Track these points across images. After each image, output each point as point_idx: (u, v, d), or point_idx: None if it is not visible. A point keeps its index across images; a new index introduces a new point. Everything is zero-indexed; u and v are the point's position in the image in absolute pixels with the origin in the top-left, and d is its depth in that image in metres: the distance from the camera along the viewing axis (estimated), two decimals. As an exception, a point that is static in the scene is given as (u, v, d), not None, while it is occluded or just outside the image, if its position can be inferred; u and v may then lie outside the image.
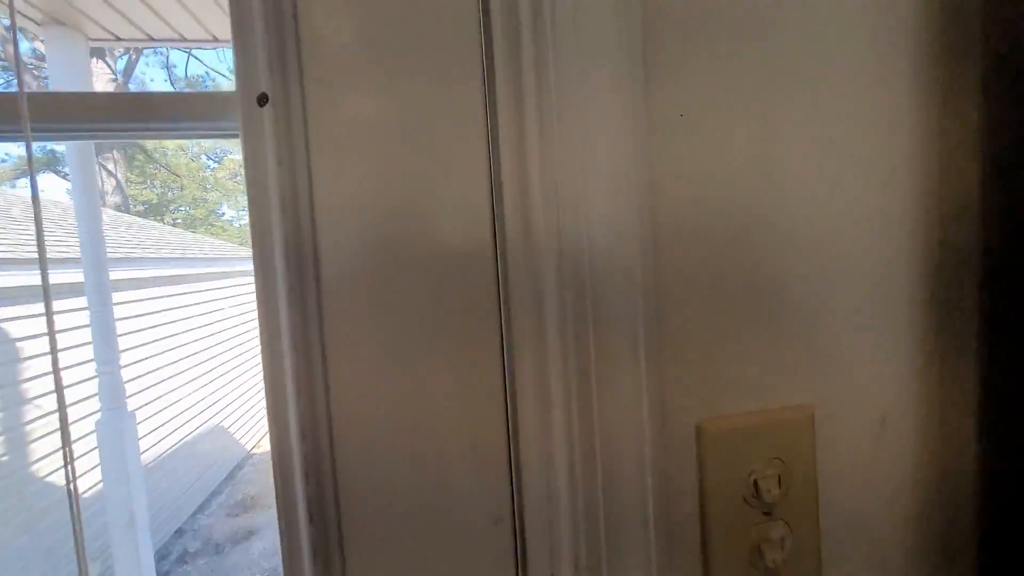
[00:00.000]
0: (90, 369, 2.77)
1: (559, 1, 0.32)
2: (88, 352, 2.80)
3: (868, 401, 0.38)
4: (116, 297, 2.96)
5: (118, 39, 2.09)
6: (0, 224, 3.99)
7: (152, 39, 2.11)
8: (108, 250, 3.00)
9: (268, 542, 4.57)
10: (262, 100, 0.31)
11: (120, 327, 2.87)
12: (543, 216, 0.32)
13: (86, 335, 2.43)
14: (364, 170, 0.32)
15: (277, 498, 0.34)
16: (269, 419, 0.33)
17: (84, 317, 2.29)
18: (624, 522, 0.33)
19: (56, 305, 3.47)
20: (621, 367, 0.33)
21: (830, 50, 0.37)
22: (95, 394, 2.41)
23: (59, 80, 2.01)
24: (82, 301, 2.42)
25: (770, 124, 0.36)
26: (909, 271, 0.39)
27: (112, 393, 2.06)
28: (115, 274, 3.54)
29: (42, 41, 2.01)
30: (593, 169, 0.33)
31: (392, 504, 0.34)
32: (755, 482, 0.35)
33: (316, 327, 0.31)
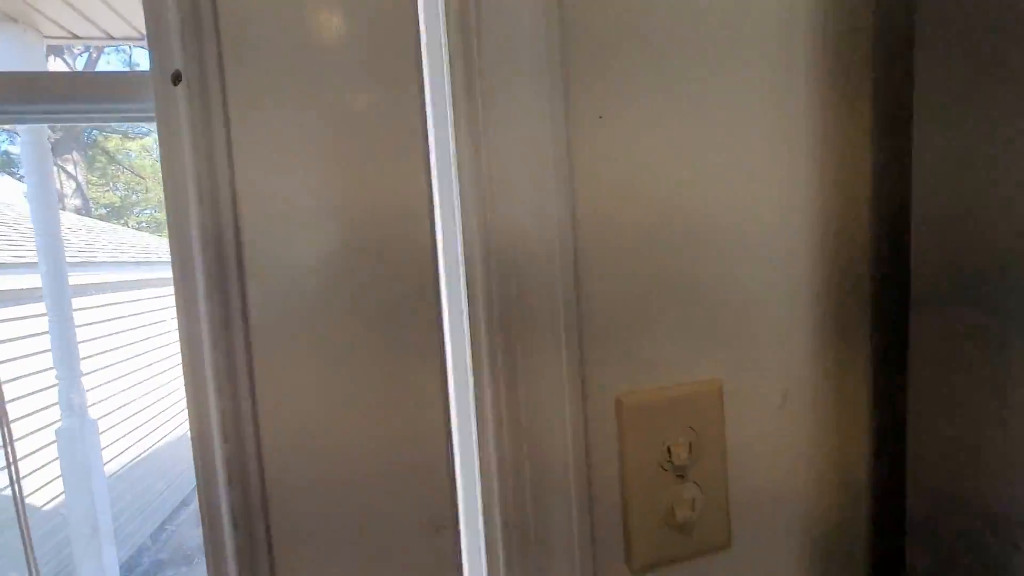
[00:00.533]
0: (50, 377, 2.68)
1: (485, 12, 0.35)
2: (48, 360, 2.72)
3: (771, 378, 0.43)
4: (77, 303, 2.87)
5: (76, 37, 2.04)
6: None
7: (111, 37, 2.07)
8: (68, 254, 2.90)
9: (240, 550, 4.48)
10: (176, 79, 0.28)
11: (81, 333, 2.78)
12: (474, 213, 0.35)
13: (45, 342, 2.35)
14: (293, 161, 0.31)
15: (200, 505, 0.33)
16: (190, 420, 0.32)
17: (43, 324, 2.23)
18: (549, 481, 0.37)
19: (13, 311, 3.34)
20: (545, 349, 0.37)
21: (736, 61, 0.41)
22: (55, 403, 2.34)
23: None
24: (41, 307, 2.35)
25: (682, 126, 0.40)
26: (808, 260, 0.44)
27: (72, 401, 2.01)
28: (76, 278, 3.43)
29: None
30: (517, 169, 0.36)
31: (325, 511, 0.33)
32: (668, 449, 0.39)
33: (240, 325, 0.31)
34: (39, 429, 3.52)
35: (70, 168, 15.82)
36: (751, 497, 0.42)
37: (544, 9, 0.36)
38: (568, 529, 0.37)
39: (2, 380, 3.24)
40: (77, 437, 2.01)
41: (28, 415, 3.46)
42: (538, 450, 0.37)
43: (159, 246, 7.14)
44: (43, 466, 3.52)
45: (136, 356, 4.70)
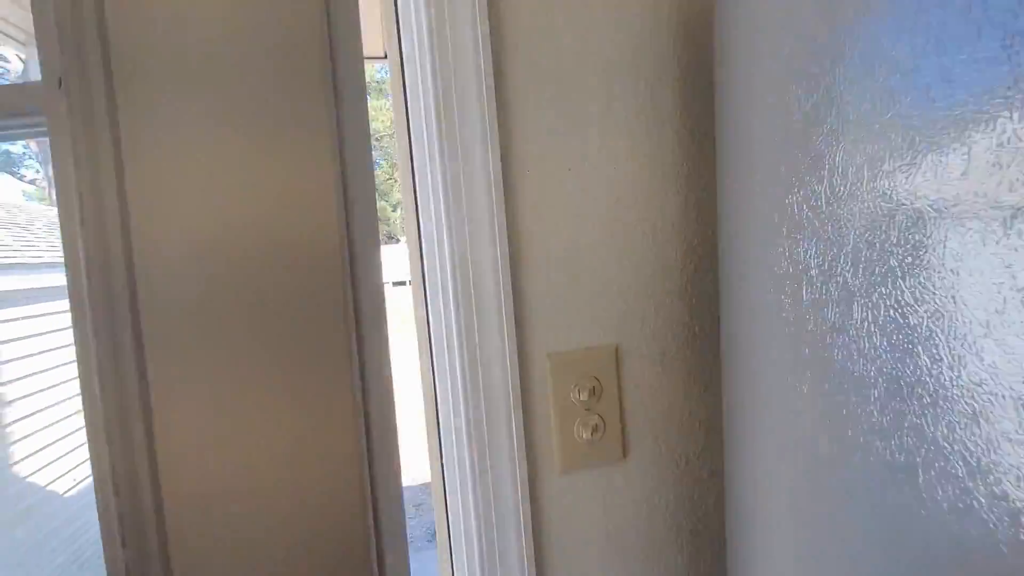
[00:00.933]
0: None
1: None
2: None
3: (653, 342, 0.63)
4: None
5: None
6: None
7: None
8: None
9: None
10: (60, 83, 0.26)
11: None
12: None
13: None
14: (187, 175, 0.34)
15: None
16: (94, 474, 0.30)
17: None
18: (496, 407, 0.57)
19: (49, 307, 3.55)
20: (492, 322, 0.56)
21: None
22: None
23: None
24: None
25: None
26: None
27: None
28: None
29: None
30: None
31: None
32: (579, 391, 0.59)
33: (133, 362, 0.30)
34: (68, 416, 3.75)
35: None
36: (641, 424, 0.62)
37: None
38: (510, 443, 0.57)
39: (48, 369, 3.45)
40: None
41: (55, 405, 3.67)
42: (489, 390, 0.57)
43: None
44: (71, 451, 3.74)
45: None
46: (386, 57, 2.56)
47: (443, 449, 0.58)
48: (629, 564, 0.63)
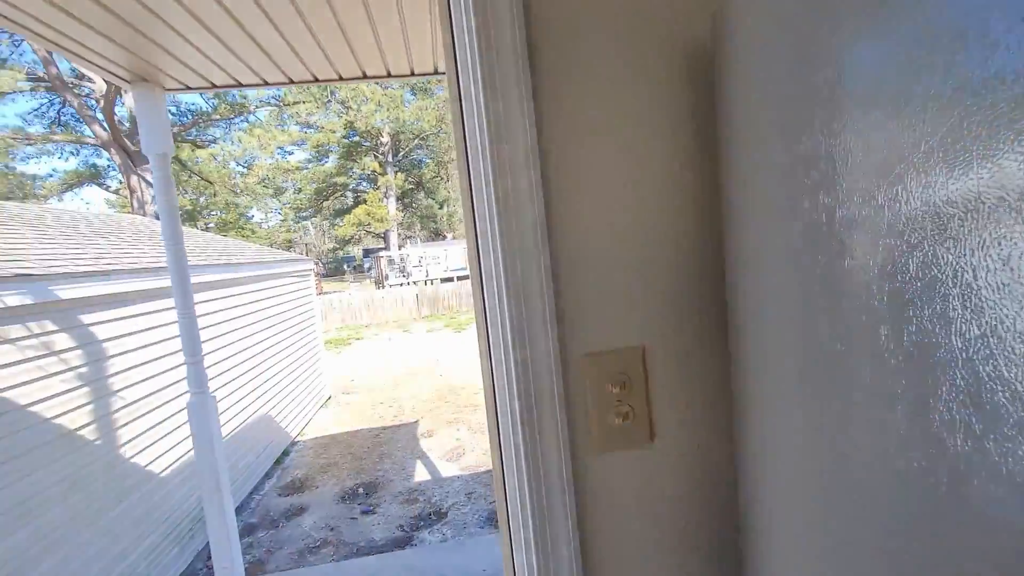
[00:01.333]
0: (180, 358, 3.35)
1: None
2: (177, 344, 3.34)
3: (675, 345, 0.73)
4: (197, 298, 3.47)
5: (188, 88, 2.52)
6: (83, 239, 4.54)
7: (214, 86, 2.53)
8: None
9: (317, 517, 5.08)
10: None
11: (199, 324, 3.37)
12: (500, 257, 0.68)
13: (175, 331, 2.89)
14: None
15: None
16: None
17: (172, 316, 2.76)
18: (544, 403, 0.70)
19: (149, 306, 4.01)
20: (538, 327, 0.69)
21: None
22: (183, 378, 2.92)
23: (145, 120, 2.45)
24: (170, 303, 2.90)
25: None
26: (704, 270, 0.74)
27: (197, 379, 2.52)
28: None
29: (129, 93, 2.44)
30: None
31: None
32: (611, 385, 0.71)
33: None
34: (174, 398, 4.21)
35: (149, 177, 17.24)
36: (666, 411, 0.74)
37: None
38: (555, 426, 0.70)
39: (147, 362, 3.92)
40: (202, 408, 2.52)
41: (163, 389, 4.12)
42: (538, 379, 0.69)
43: (236, 247, 7.90)
44: (177, 427, 4.19)
45: (224, 347, 5.36)
46: (435, 72, 2.71)
47: (500, 437, 0.71)
48: (658, 528, 0.74)
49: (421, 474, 5.83)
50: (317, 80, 2.57)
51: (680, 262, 0.73)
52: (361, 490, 5.57)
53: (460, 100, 0.72)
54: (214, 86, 2.52)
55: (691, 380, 0.74)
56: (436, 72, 2.53)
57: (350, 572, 3.99)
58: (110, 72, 2.30)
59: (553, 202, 0.70)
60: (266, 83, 2.53)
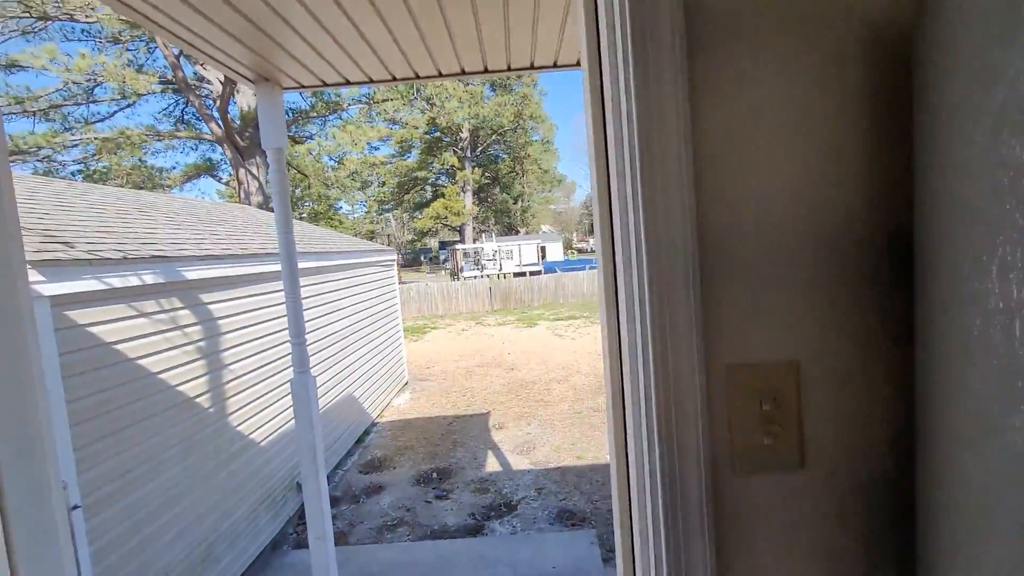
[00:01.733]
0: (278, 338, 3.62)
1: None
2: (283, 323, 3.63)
3: (833, 360, 0.66)
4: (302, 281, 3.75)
5: (302, 86, 2.68)
6: (203, 226, 5.03)
7: (325, 84, 2.67)
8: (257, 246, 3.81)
9: (394, 496, 5.31)
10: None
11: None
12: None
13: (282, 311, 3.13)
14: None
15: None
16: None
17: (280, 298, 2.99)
18: (685, 416, 0.65)
19: (256, 289, 4.39)
20: (682, 331, 0.64)
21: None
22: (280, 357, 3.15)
23: (265, 117, 2.64)
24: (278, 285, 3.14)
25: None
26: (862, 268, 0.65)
27: (301, 359, 2.71)
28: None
29: (254, 94, 2.64)
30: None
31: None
32: (761, 401, 0.65)
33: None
34: (278, 372, 4.59)
35: (254, 170, 18.83)
36: (819, 430, 0.66)
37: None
38: (696, 444, 0.65)
39: (252, 339, 4.31)
40: (304, 386, 2.70)
41: (270, 364, 4.50)
42: (679, 388, 0.65)
43: (326, 236, 8.43)
44: (279, 400, 4.56)
45: (317, 329, 5.73)
46: (531, 67, 2.68)
47: (630, 450, 0.67)
48: (803, 561, 0.67)
49: (492, 464, 5.91)
50: (418, 77, 2.64)
51: (846, 267, 0.65)
52: (435, 475, 5.75)
53: (601, 91, 0.68)
54: (325, 84, 2.66)
55: (853, 403, 0.66)
56: (556, 66, 2.52)
57: (424, 554, 4.13)
58: (237, 72, 2.50)
59: (705, 196, 0.64)
60: (371, 80, 2.63)
